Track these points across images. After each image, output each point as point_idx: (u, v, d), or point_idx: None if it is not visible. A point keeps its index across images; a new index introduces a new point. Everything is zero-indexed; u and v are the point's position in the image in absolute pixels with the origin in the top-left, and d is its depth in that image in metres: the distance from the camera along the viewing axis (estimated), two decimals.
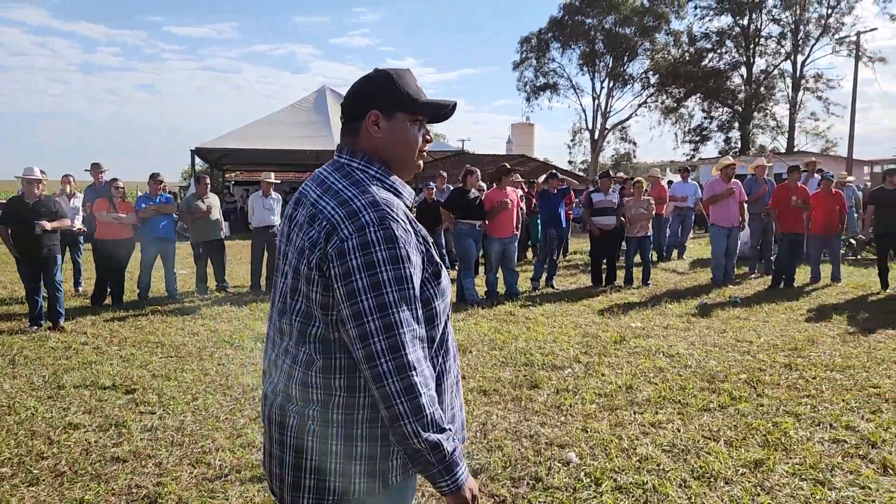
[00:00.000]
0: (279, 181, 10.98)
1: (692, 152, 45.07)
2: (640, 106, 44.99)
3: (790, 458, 3.84)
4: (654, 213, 10.65)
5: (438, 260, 1.64)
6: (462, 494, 1.53)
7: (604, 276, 10.40)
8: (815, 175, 12.42)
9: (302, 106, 21.55)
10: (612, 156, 48.24)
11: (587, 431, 4.26)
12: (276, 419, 1.64)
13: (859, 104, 33.34)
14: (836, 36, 40.13)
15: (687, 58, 42.84)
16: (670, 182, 15.39)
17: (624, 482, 3.54)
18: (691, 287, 10.08)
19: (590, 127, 45.23)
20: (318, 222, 1.54)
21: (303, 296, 1.57)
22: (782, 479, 3.57)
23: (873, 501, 3.32)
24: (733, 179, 10.55)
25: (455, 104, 1.75)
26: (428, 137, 1.75)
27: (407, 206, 1.65)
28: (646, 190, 11.26)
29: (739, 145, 42.60)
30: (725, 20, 42.79)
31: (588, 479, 3.59)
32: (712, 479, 3.57)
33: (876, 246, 10.04)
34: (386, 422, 1.49)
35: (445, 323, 1.69)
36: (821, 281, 10.32)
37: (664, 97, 44.45)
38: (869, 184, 23.53)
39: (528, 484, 3.57)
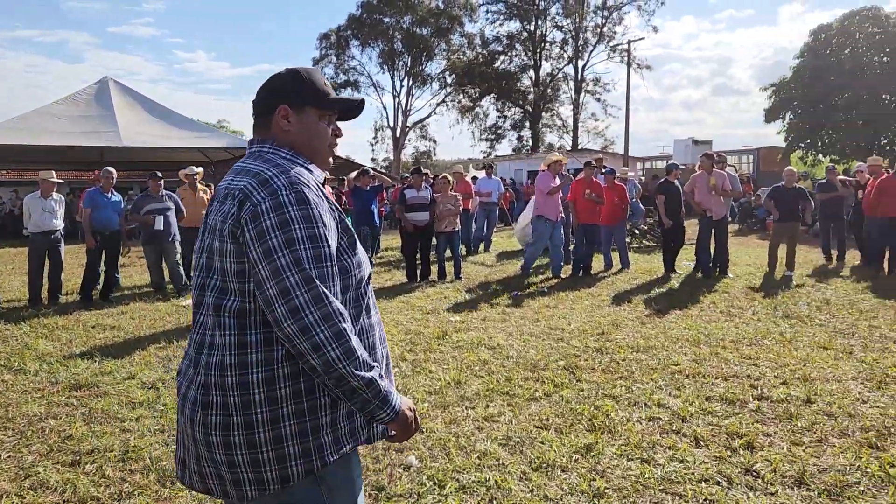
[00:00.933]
0: (61, 181, 9.71)
1: (489, 150, 47.23)
2: (438, 105, 46.33)
3: (615, 439, 4.02)
4: (461, 208, 10.89)
5: (353, 230, 1.71)
6: (403, 415, 1.65)
7: (418, 271, 10.45)
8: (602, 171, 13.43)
9: (80, 98, 19.42)
10: (413, 153, 49.19)
11: (423, 432, 4.17)
12: (198, 419, 1.59)
13: (630, 106, 37.16)
14: (611, 44, 44.03)
15: (481, 59, 44.75)
16: (474, 178, 15.88)
17: (467, 481, 3.49)
18: (501, 279, 10.43)
19: (391, 125, 45.77)
20: (232, 196, 1.59)
21: (217, 272, 1.60)
22: (612, 461, 3.72)
23: (692, 473, 3.55)
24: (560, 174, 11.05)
25: (363, 100, 1.86)
26: (338, 133, 1.83)
27: (320, 182, 1.71)
28: (452, 187, 11.49)
29: (531, 143, 45.30)
30: (514, 25, 45.28)
31: (431, 483, 3.49)
32: (549, 469, 3.63)
33: (662, 233, 11.02)
34: (319, 370, 1.50)
35: (363, 297, 1.74)
36: (612, 268, 11.16)
37: (461, 97, 46.12)
38: (643, 178, 26.02)
39: (370, 495, 3.39)
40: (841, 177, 12.82)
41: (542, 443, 3.97)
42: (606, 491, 3.37)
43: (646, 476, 3.52)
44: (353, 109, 1.85)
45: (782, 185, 10.41)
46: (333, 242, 1.59)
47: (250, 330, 1.56)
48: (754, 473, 3.54)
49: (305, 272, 1.49)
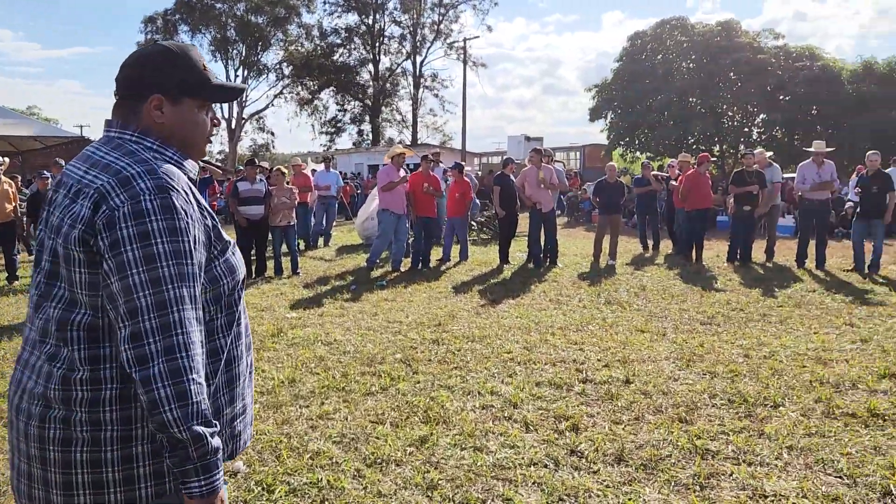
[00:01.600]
0: None
1: (329, 143, 46.58)
2: (276, 97, 44.97)
3: (450, 429, 4.05)
4: (297, 201, 10.62)
5: (226, 236, 1.54)
6: (213, 501, 1.37)
7: (253, 267, 10.06)
8: (441, 164, 13.65)
9: None
10: (251, 146, 47.50)
11: (253, 435, 3.97)
12: (33, 434, 1.41)
13: (466, 103, 38.72)
14: (448, 41, 44.89)
15: (319, 52, 43.98)
16: (313, 171, 15.57)
17: (298, 483, 3.36)
18: (340, 273, 10.28)
19: (226, 116, 43.85)
20: (84, 196, 1.37)
21: (64, 280, 1.40)
22: (446, 451, 3.74)
23: (522, 458, 3.65)
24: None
25: (244, 89, 1.72)
26: (216, 121, 1.64)
27: (191, 179, 1.52)
28: (288, 180, 11.17)
29: (371, 137, 45.22)
30: (353, 18, 44.91)
31: (259, 488, 3.33)
32: (384, 464, 3.59)
33: (500, 223, 11.34)
34: (146, 407, 1.30)
35: (236, 303, 1.57)
36: (451, 260, 11.37)
37: (300, 89, 45.07)
38: (479, 172, 26.81)
39: None
40: (654, 172, 13.89)
41: (377, 438, 3.92)
42: (440, 482, 3.38)
43: (478, 464, 3.57)
44: (229, 96, 1.67)
45: (605, 179, 11.08)
46: (201, 257, 1.42)
47: (103, 343, 1.38)
48: (579, 454, 3.70)
49: (160, 295, 1.31)
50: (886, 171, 10.84)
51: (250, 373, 1.68)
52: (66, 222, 1.38)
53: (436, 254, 11.33)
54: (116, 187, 1.35)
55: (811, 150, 10.53)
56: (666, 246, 12.94)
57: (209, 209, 1.51)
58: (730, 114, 28.39)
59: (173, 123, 1.52)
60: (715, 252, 11.69)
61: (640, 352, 5.70)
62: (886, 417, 4.14)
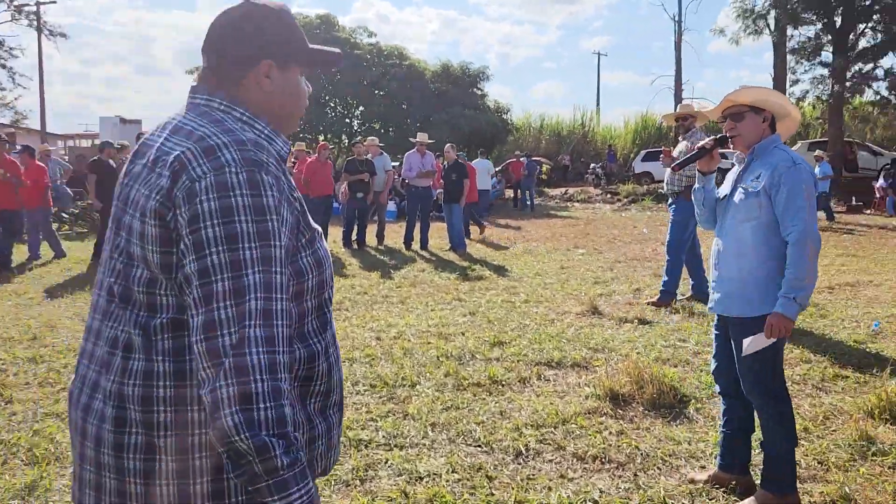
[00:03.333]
0: None
1: None
2: None
3: (67, 467, 3.34)
4: None
5: (313, 224, 1.35)
6: None
7: None
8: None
9: None
10: None
11: None
12: (91, 432, 1.22)
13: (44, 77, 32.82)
14: (15, 2, 38.38)
15: None
16: None
17: None
18: None
19: None
20: (162, 164, 1.19)
21: (140, 261, 1.20)
22: (65, 495, 3.06)
23: None
24: None
25: (339, 53, 1.53)
26: (310, 88, 1.47)
27: (281, 157, 1.31)
28: None
29: None
30: None
31: None
32: None
33: (100, 215, 10.02)
34: (207, 413, 1.11)
35: (327, 304, 1.40)
36: (39, 259, 9.72)
37: None
38: (66, 156, 23.58)
39: None
40: None
41: None
42: None
43: None
44: (329, 62, 1.50)
45: None
46: (288, 241, 1.22)
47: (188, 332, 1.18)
48: None
49: (240, 280, 1.12)
50: (474, 161, 12.40)
51: (340, 390, 1.48)
52: (142, 193, 1.21)
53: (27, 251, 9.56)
54: (200, 156, 1.18)
55: (416, 140, 11.46)
56: None
57: (298, 193, 1.32)
58: (332, 104, 29.66)
59: (280, 92, 1.37)
60: (332, 238, 12.03)
61: None
62: (504, 383, 4.62)
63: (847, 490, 3.03)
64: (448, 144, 11.86)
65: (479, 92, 28.72)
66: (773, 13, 23.17)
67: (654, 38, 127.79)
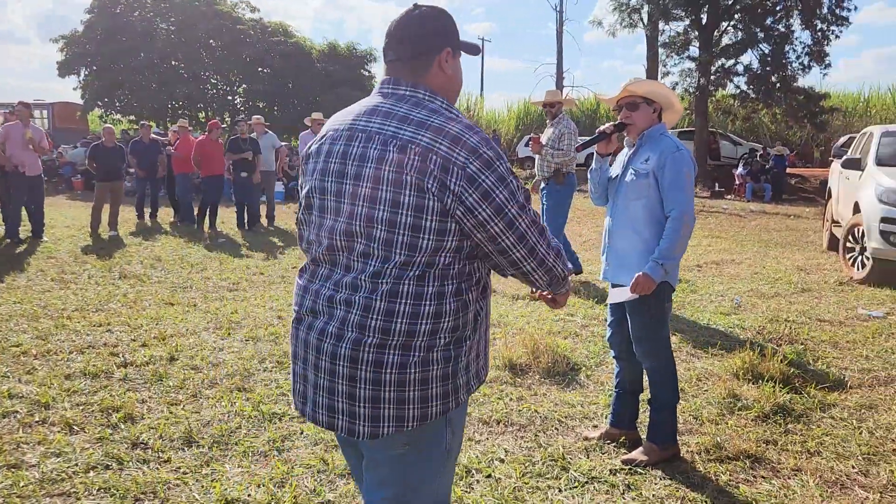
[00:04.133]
0: None
1: None
2: None
3: None
4: None
5: None
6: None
7: None
8: None
9: None
10: None
11: None
12: (344, 354, 1.58)
13: None
14: None
15: None
16: None
17: None
18: None
19: None
20: (416, 152, 1.52)
21: (406, 227, 1.54)
22: None
23: (76, 464, 3.14)
24: None
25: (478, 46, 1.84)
26: None
27: None
28: None
29: None
30: None
31: None
32: None
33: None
34: (550, 284, 1.75)
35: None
36: None
37: None
38: None
39: None
40: (153, 136, 13.18)
41: None
42: None
43: (21, 485, 2.95)
44: (473, 52, 1.83)
45: (102, 143, 10.07)
46: None
47: (428, 283, 1.57)
48: (143, 445, 3.36)
49: (529, 214, 1.61)
50: None
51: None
52: (408, 175, 1.52)
53: None
54: (453, 147, 1.52)
55: (311, 119, 11.33)
56: (167, 213, 12.50)
57: None
58: (213, 81, 28.57)
59: (453, 76, 1.72)
60: (221, 219, 11.74)
61: (176, 325, 5.43)
62: None
63: (718, 440, 3.44)
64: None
65: (368, 73, 28.56)
66: (646, 8, 24.43)
67: (537, 26, 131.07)
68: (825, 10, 22.91)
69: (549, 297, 1.96)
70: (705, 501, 2.93)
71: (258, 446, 3.39)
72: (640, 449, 3.29)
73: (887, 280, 7.36)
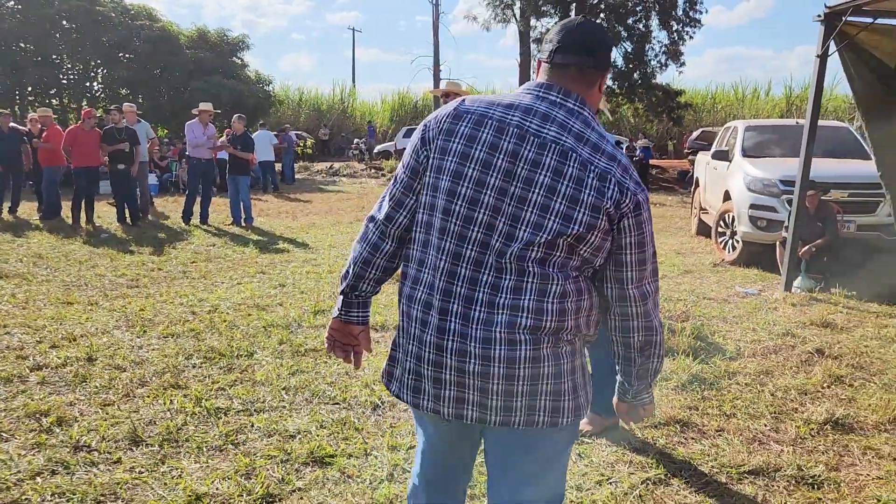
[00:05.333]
0: None
1: None
2: None
3: None
4: None
5: None
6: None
7: None
8: None
9: None
10: None
11: None
12: (523, 356, 1.60)
13: None
14: None
15: None
16: None
17: None
18: None
19: None
20: (596, 174, 1.57)
21: (570, 238, 1.57)
22: None
23: (20, 472, 2.96)
24: None
25: None
26: None
27: None
28: None
29: None
30: None
31: None
32: None
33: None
34: (645, 338, 1.73)
35: None
36: None
37: None
38: None
39: None
40: (12, 125, 12.16)
41: None
42: None
43: None
44: None
45: None
46: None
47: (582, 290, 1.66)
48: (87, 448, 3.21)
49: (655, 264, 1.71)
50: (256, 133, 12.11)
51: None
52: (568, 186, 1.56)
53: None
54: (624, 174, 1.60)
55: (198, 109, 10.90)
56: (31, 207, 11.62)
57: None
58: (69, 65, 26.62)
59: (600, 99, 1.77)
60: (97, 213, 11.05)
61: (83, 325, 5.14)
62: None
63: None
64: (236, 116, 11.49)
65: (240, 62, 27.62)
66: (518, 4, 25.27)
67: (405, 17, 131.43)
68: (680, 13, 24.69)
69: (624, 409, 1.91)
70: (650, 463, 3.21)
71: (211, 441, 3.33)
72: (585, 419, 3.53)
73: (755, 261, 8.14)
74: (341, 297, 1.88)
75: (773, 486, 3.02)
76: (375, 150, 28.63)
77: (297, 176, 21.84)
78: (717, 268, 8.14)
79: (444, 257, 1.63)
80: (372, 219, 1.80)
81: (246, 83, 26.53)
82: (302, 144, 27.13)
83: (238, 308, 5.76)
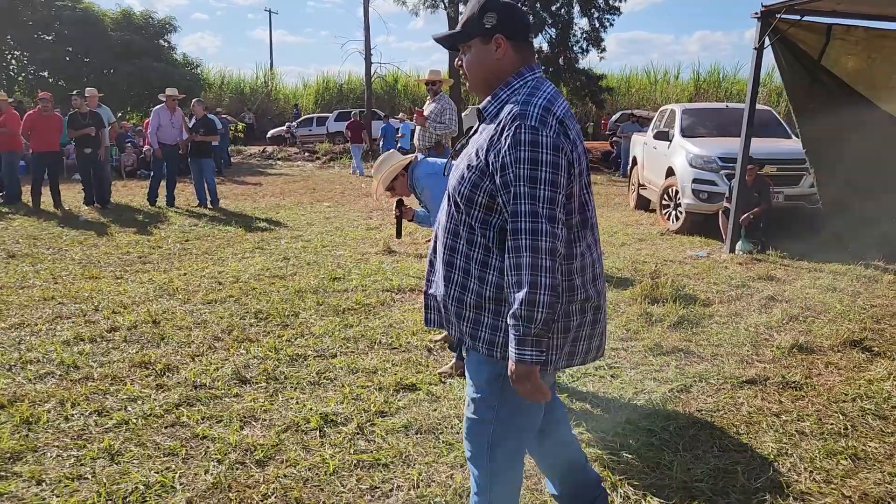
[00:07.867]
0: None
1: None
2: None
3: None
4: None
5: None
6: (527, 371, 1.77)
7: None
8: None
9: None
10: None
11: None
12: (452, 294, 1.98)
13: None
14: None
15: None
16: None
17: None
18: None
19: None
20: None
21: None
22: None
23: (165, 404, 3.48)
24: None
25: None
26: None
27: None
28: None
29: None
30: None
31: None
32: None
33: None
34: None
35: None
36: None
37: None
38: None
39: None
40: None
41: None
42: None
43: (155, 407, 3.27)
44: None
45: None
46: None
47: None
48: (204, 386, 3.75)
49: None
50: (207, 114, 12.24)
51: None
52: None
53: None
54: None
55: (165, 95, 11.05)
56: None
57: None
58: None
59: None
60: (63, 197, 11.05)
61: (125, 295, 5.54)
62: (370, 306, 5.42)
63: (657, 342, 4.58)
64: (195, 100, 11.71)
65: (167, 44, 27.12)
66: None
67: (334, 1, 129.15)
68: (600, 1, 25.95)
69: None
70: (670, 378, 4.02)
71: (308, 378, 3.92)
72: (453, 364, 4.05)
73: (697, 229, 9.18)
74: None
75: (766, 389, 3.89)
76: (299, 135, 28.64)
77: (232, 160, 21.84)
78: (664, 236, 9.13)
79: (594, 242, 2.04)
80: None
81: (175, 66, 26.11)
82: (234, 129, 26.92)
83: (259, 278, 6.25)
